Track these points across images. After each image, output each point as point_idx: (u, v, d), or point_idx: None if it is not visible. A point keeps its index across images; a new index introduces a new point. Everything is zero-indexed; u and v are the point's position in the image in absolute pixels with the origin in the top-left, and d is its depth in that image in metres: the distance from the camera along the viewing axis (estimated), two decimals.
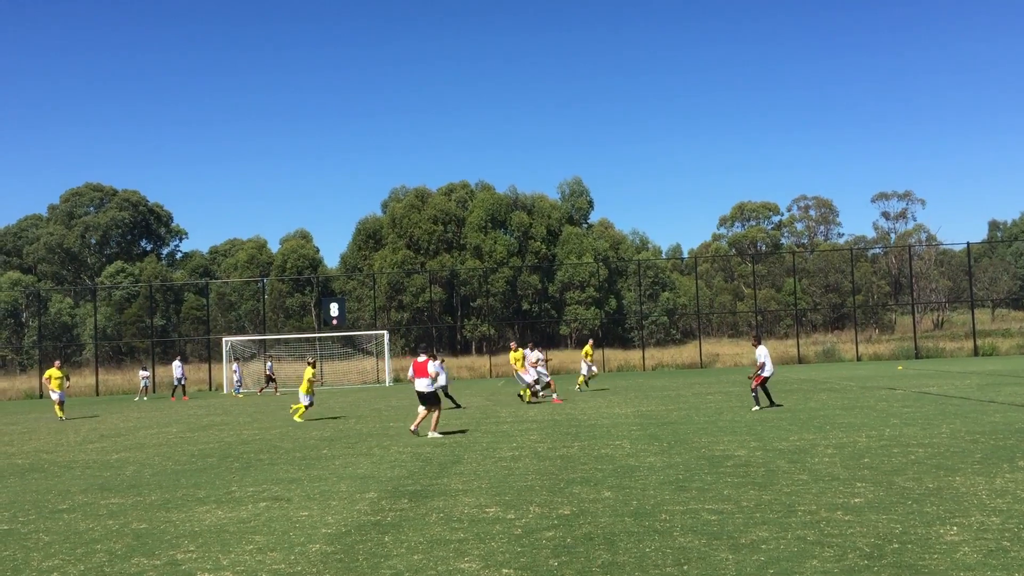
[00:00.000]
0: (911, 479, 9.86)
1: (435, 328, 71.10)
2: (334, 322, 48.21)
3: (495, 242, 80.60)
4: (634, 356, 51.76)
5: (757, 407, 19.10)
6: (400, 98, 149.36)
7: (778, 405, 19.82)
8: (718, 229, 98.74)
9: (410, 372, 16.86)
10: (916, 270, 71.54)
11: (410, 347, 73.03)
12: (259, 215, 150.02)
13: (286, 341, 53.97)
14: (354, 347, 56.45)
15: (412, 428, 16.95)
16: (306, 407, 22.31)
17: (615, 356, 51.97)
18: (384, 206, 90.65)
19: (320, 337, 51.22)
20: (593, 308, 73.22)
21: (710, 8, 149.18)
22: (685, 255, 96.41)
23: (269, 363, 39.10)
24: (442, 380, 21.08)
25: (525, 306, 79.14)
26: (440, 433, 16.69)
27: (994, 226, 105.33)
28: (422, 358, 16.64)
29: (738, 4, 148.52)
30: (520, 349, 25.24)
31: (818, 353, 49.72)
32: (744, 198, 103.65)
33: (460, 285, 78.70)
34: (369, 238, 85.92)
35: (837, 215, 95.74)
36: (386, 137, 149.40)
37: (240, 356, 43.78)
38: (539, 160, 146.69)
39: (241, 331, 71.69)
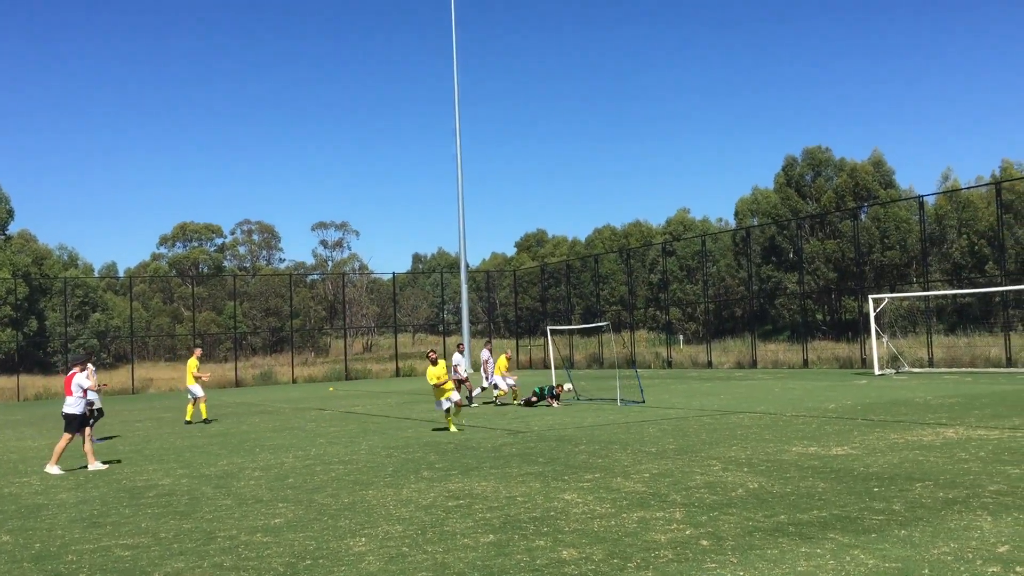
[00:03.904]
0: (330, 495, 10.37)
1: None
2: None
3: None
4: (56, 383, 47.16)
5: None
6: None
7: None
8: (158, 248, 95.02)
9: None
10: (349, 296, 76.32)
11: None
12: None
13: None
14: None
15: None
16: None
17: (33, 383, 46.87)
18: None
19: None
20: (9, 329, 65.23)
21: (145, 15, 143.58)
22: (120, 274, 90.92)
23: None
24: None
25: None
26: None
27: (417, 258, 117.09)
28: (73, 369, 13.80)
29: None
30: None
31: (256, 376, 50.29)
32: (187, 218, 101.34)
33: None
34: None
35: (279, 240, 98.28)
36: None
37: None
38: None
39: None
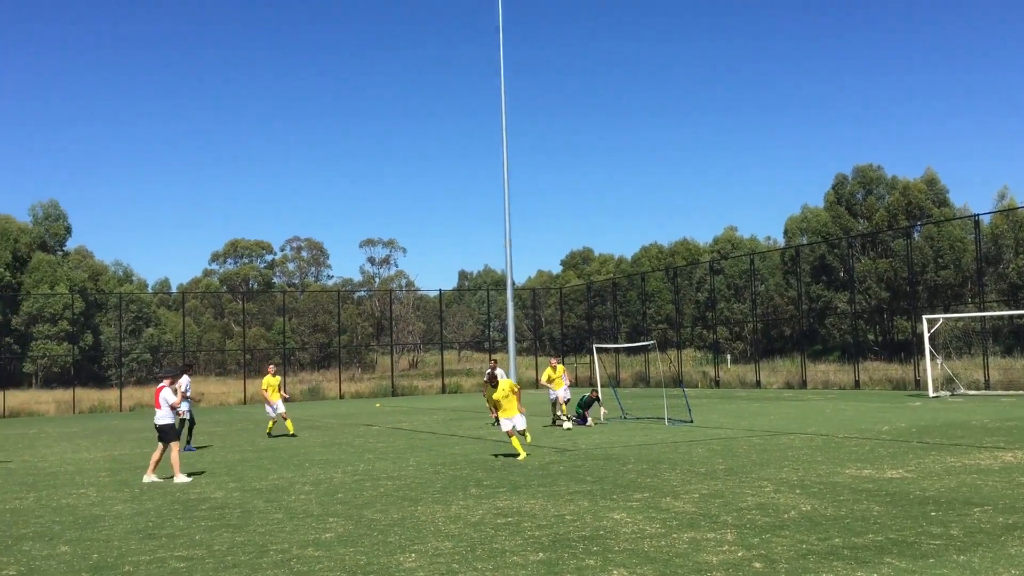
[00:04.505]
0: (379, 511, 10.43)
1: None
2: None
3: None
4: (110, 396, 48.06)
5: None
6: None
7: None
8: (210, 265, 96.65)
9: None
10: (396, 313, 76.84)
11: None
12: None
13: None
14: None
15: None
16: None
17: (88, 396, 47.78)
18: None
19: None
20: (66, 343, 66.69)
21: (207, 24, 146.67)
22: (173, 290, 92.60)
23: None
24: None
25: None
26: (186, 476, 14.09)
27: (463, 276, 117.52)
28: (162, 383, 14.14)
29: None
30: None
31: (304, 391, 50.77)
32: (238, 235, 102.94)
33: None
34: None
35: (327, 257, 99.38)
36: None
37: None
38: (6, 177, 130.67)
39: None
